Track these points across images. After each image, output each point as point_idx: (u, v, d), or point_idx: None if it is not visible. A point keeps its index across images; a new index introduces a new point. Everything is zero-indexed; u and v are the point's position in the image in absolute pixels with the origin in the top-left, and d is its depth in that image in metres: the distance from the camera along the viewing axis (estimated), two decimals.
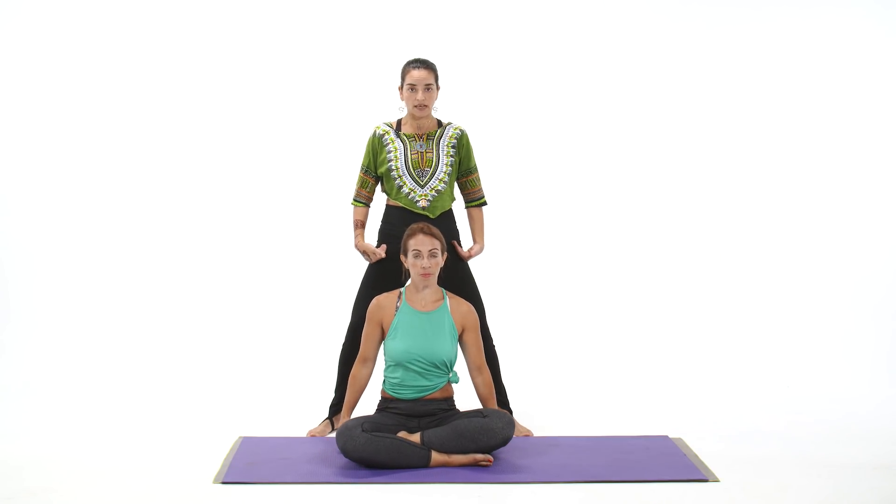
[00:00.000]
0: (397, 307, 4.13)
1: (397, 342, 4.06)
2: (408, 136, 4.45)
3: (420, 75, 4.38)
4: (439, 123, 4.51)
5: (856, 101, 6.06)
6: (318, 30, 6.12)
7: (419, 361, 4.03)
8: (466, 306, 4.18)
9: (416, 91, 4.37)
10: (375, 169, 4.48)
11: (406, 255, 4.12)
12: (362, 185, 4.53)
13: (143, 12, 6.05)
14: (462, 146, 4.49)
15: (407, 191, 4.40)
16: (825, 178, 6.08)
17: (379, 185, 4.54)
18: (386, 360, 4.12)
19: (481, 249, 4.55)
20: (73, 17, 6.01)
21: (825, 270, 6.01)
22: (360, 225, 4.50)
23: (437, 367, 4.05)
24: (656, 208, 6.16)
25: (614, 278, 6.12)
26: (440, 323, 4.10)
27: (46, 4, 6.00)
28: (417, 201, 4.40)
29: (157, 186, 6.09)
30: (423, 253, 4.06)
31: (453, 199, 4.51)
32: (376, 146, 4.47)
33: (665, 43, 6.15)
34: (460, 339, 4.15)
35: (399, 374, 4.05)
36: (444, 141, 4.46)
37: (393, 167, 4.41)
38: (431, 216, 4.41)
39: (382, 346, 4.16)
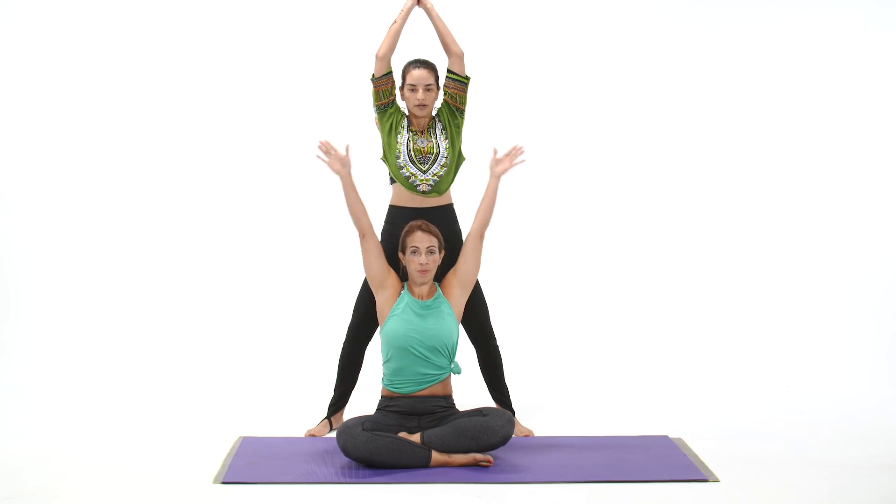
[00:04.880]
0: (400, 293, 4.13)
1: (396, 324, 4.05)
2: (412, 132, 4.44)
3: (420, 75, 4.37)
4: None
5: (855, 101, 6.06)
6: (320, 32, 6.11)
7: (419, 345, 4.02)
8: (450, 272, 4.19)
9: (417, 91, 4.36)
10: (390, 94, 4.40)
11: (404, 253, 4.12)
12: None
13: (144, 12, 6.05)
14: (443, 114, 4.42)
15: (408, 174, 4.37)
16: (825, 178, 6.07)
17: (388, 181, 4.50)
18: (384, 352, 4.10)
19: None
20: (73, 18, 6.01)
21: (825, 270, 6.00)
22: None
23: (438, 351, 4.04)
24: (656, 208, 6.16)
25: (614, 278, 6.11)
26: (438, 307, 4.10)
27: (46, 5, 6.00)
28: (418, 185, 4.38)
29: (157, 187, 6.08)
30: (421, 250, 4.06)
31: (452, 179, 4.45)
32: (398, 111, 4.42)
33: (665, 43, 6.15)
34: (462, 251, 4.15)
35: (398, 363, 4.04)
36: (438, 128, 4.44)
37: (398, 151, 4.38)
38: (438, 194, 4.37)
39: (380, 334, 4.13)
